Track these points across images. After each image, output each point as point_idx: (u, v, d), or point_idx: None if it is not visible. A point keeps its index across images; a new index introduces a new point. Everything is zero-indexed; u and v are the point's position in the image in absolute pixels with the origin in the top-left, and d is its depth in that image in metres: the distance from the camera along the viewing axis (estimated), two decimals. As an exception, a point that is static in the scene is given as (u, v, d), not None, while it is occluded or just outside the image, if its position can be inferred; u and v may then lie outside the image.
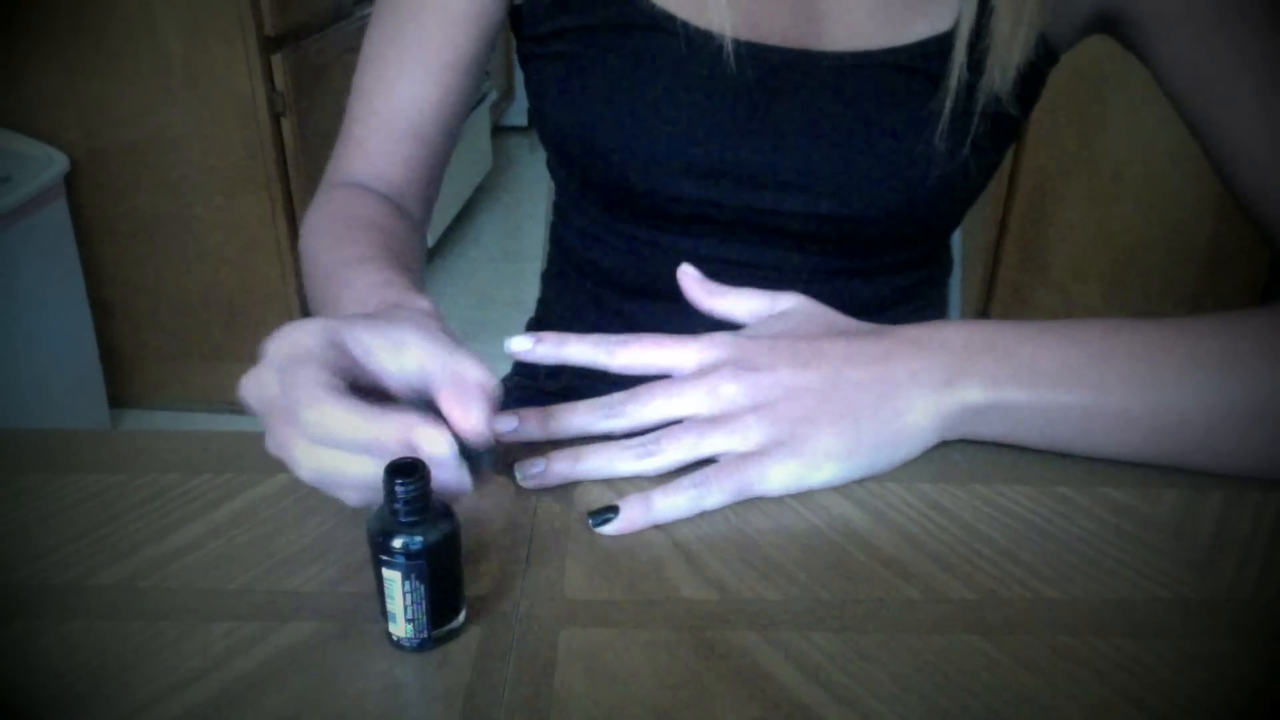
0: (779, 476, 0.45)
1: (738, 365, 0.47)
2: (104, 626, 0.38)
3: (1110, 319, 0.48)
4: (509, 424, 0.47)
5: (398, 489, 0.35)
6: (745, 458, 0.45)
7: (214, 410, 1.94)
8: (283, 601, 0.40)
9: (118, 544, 0.43)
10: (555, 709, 0.35)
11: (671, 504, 0.44)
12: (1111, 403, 0.46)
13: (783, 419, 0.45)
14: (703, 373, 0.47)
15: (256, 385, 0.39)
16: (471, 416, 0.38)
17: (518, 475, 0.46)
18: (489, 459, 0.40)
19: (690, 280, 0.53)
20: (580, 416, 0.48)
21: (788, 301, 0.52)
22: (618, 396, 0.48)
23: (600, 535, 0.44)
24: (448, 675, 0.36)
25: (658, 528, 0.44)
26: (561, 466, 0.46)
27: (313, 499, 0.46)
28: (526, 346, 0.49)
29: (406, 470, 0.35)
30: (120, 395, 1.91)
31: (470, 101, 0.68)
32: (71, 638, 0.38)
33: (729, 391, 0.46)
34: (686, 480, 0.44)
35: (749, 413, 0.46)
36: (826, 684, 0.36)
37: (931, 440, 0.47)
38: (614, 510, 0.43)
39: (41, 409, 1.65)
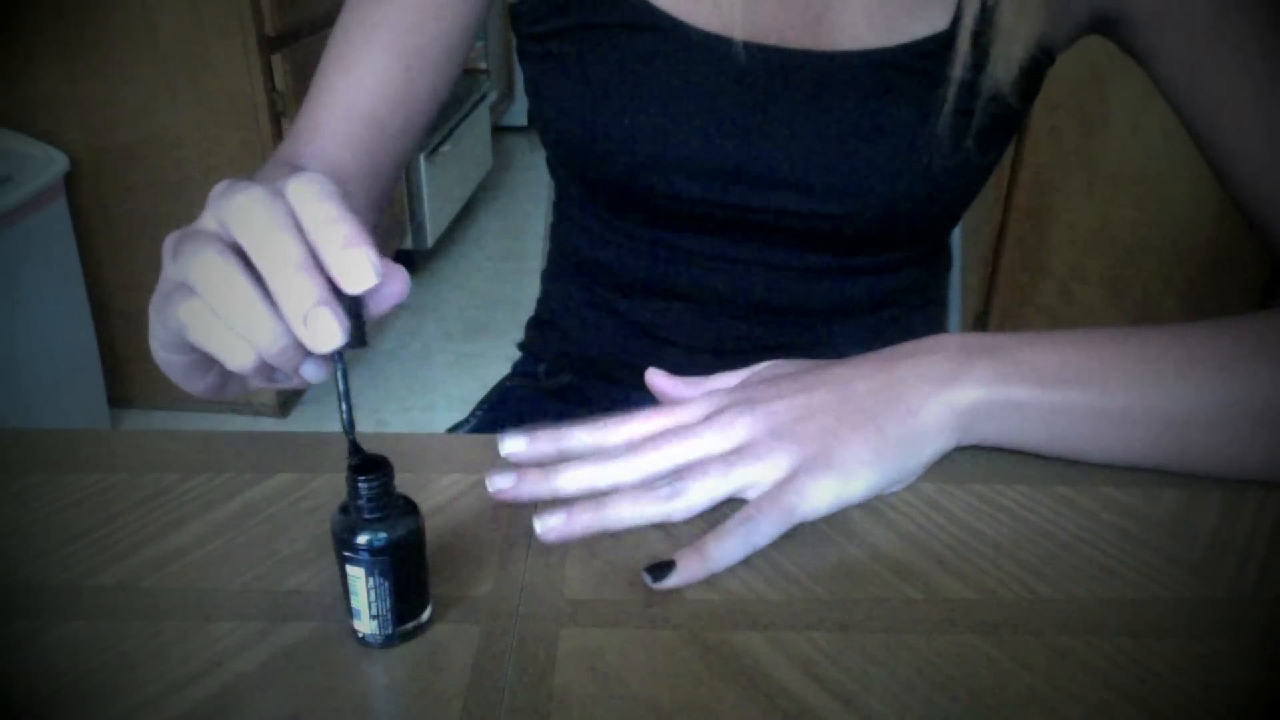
0: (819, 495, 0.43)
1: (744, 403, 0.46)
2: (104, 626, 0.38)
3: (1106, 327, 0.48)
4: (507, 480, 0.45)
5: (361, 486, 0.35)
6: (780, 485, 0.43)
7: (214, 410, 1.94)
8: (283, 601, 0.40)
9: (118, 544, 0.43)
10: (555, 709, 0.35)
11: (725, 548, 0.41)
12: (1115, 402, 0.46)
13: (804, 438, 0.44)
14: (710, 417, 0.46)
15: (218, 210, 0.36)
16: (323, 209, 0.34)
17: (537, 528, 0.42)
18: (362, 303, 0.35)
19: (661, 380, 0.51)
20: (586, 469, 0.45)
21: (765, 363, 0.51)
22: (626, 446, 0.46)
23: (600, 536, 0.43)
24: (448, 675, 0.36)
25: (658, 527, 0.44)
26: (585, 518, 0.43)
27: (312, 499, 0.46)
28: (520, 447, 0.46)
29: (369, 468, 0.35)
30: (120, 395, 1.91)
31: (440, 99, 0.65)
32: (71, 638, 0.38)
33: (742, 424, 0.45)
34: (732, 521, 0.42)
35: (768, 438, 0.44)
36: (826, 684, 0.36)
37: (950, 440, 0.47)
38: (670, 565, 0.41)
39: (41, 409, 1.65)
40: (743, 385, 0.49)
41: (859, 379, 0.46)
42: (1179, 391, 0.45)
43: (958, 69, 0.58)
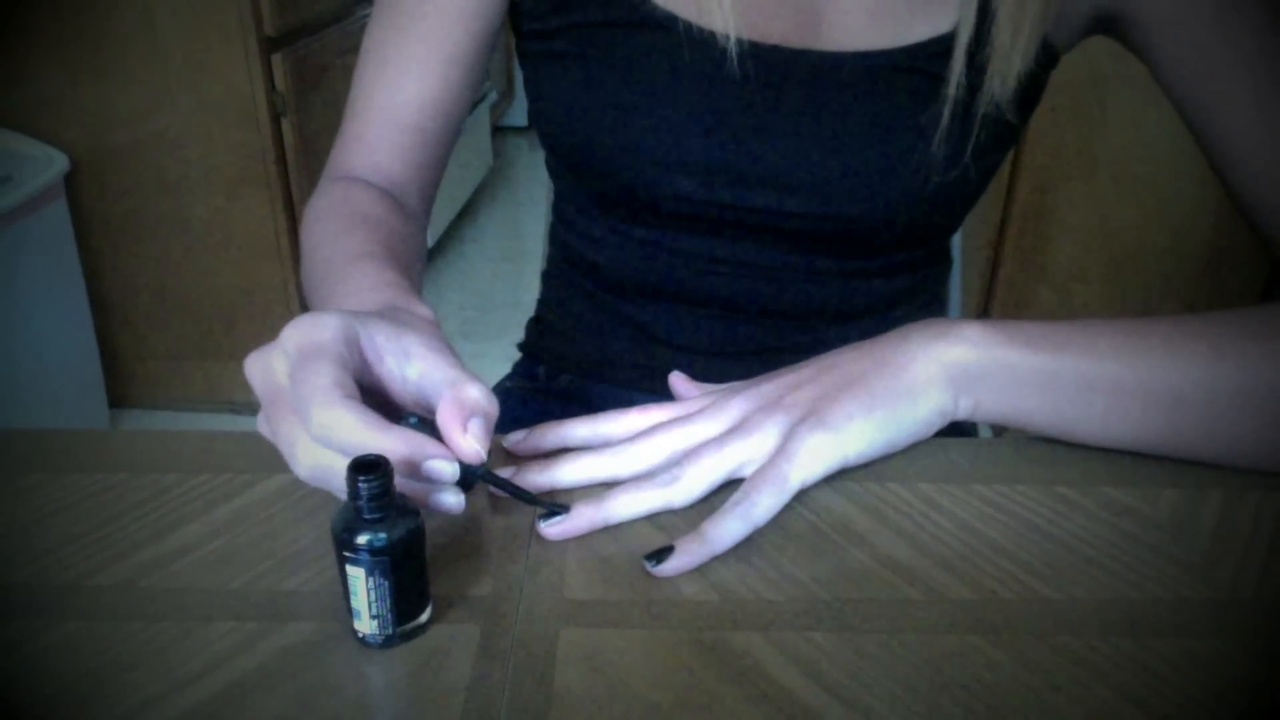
0: (813, 456, 0.44)
1: (737, 390, 0.48)
2: (104, 626, 0.38)
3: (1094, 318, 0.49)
4: (507, 472, 0.46)
5: (361, 486, 0.35)
6: (772, 459, 0.44)
7: (214, 410, 1.94)
8: (283, 601, 0.40)
9: (118, 544, 0.43)
10: (555, 709, 0.35)
11: (723, 528, 0.42)
12: (1106, 371, 0.46)
13: (793, 406, 0.45)
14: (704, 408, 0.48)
15: (264, 368, 0.39)
16: (471, 439, 0.39)
17: (540, 526, 0.43)
18: (479, 473, 0.40)
19: (682, 384, 0.52)
20: (584, 462, 0.46)
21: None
22: (624, 438, 0.47)
23: (600, 535, 0.43)
24: (448, 675, 0.36)
25: (656, 525, 0.44)
26: (587, 514, 0.43)
27: (312, 499, 0.46)
28: (522, 436, 0.49)
29: (369, 467, 0.35)
30: (120, 395, 1.91)
31: (472, 97, 0.68)
32: (71, 638, 0.38)
33: (733, 406, 0.46)
34: (729, 502, 0.43)
35: (759, 414, 0.46)
36: (826, 684, 0.36)
37: (943, 398, 0.46)
38: (669, 549, 0.41)
39: (41, 409, 1.65)
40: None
41: (845, 353, 0.48)
42: (1169, 366, 0.46)
43: (953, 87, 0.58)
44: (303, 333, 0.39)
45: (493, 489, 0.44)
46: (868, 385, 0.46)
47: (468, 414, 0.39)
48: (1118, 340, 0.47)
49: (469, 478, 0.40)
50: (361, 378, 0.40)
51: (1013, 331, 0.47)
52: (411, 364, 0.40)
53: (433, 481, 0.39)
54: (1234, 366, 0.46)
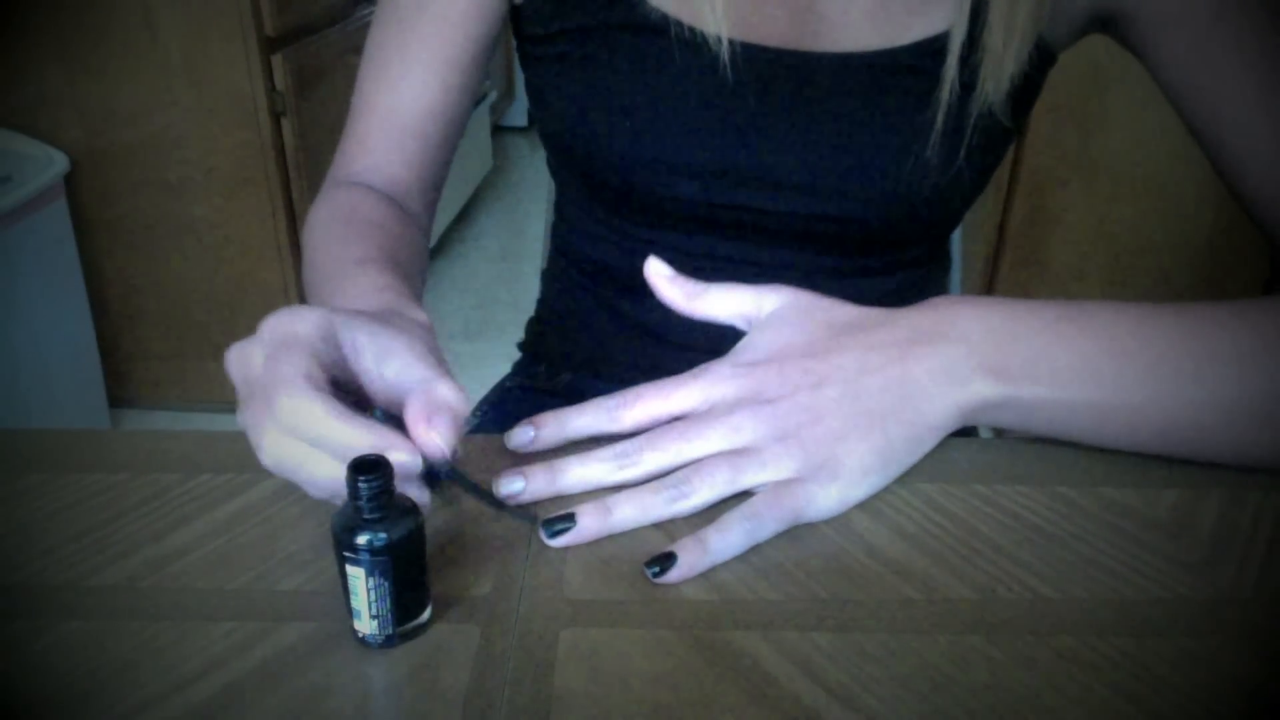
0: (825, 501, 0.44)
1: (753, 400, 0.46)
2: (104, 626, 0.38)
3: (1130, 306, 0.47)
4: (515, 485, 0.45)
5: (361, 485, 0.35)
6: (787, 485, 0.43)
7: (214, 410, 1.94)
8: (283, 601, 0.40)
9: (118, 544, 0.43)
10: (555, 709, 0.35)
11: (727, 542, 0.42)
12: (1126, 401, 0.46)
13: (811, 443, 0.44)
14: (718, 411, 0.46)
15: (242, 359, 0.40)
16: (434, 434, 0.39)
17: (543, 535, 0.43)
18: (444, 471, 0.40)
19: (662, 280, 0.50)
20: (591, 469, 0.45)
21: (774, 299, 0.50)
22: (631, 444, 0.46)
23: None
24: (448, 675, 0.36)
25: (656, 526, 0.44)
26: (592, 522, 0.43)
27: (312, 498, 0.46)
28: (529, 437, 0.48)
29: (370, 467, 0.35)
30: (120, 395, 1.91)
31: (472, 100, 0.68)
32: (71, 638, 0.38)
33: (749, 427, 0.45)
34: (736, 514, 0.42)
35: (776, 443, 0.44)
36: (826, 684, 0.36)
37: (951, 430, 0.47)
38: (671, 557, 0.41)
39: (41, 409, 1.65)
40: (752, 356, 0.48)
41: (872, 373, 0.46)
42: (1194, 389, 0.46)
43: (946, 90, 0.58)
44: (280, 324, 0.39)
45: (458, 487, 0.43)
46: (885, 432, 0.45)
47: (435, 410, 0.39)
48: (1145, 366, 0.46)
49: (434, 474, 0.40)
50: (338, 373, 0.40)
51: (1041, 365, 0.46)
52: (389, 362, 0.41)
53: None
54: (1256, 385, 0.45)
